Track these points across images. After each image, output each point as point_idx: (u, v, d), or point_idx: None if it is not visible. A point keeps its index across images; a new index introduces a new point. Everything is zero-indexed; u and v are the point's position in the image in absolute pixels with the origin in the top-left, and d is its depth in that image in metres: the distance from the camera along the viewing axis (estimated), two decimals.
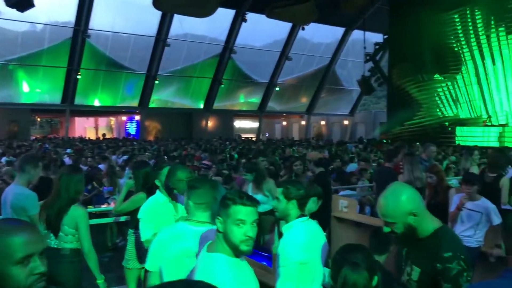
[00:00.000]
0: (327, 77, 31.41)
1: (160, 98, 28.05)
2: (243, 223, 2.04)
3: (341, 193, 7.74)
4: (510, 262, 1.90)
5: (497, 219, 4.77)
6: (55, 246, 3.56)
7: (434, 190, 5.39)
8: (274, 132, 36.63)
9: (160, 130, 29.42)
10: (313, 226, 2.95)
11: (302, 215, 2.94)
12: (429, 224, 2.23)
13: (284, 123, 37.16)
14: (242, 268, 2.13)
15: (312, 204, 4.09)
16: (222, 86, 28.01)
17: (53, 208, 3.59)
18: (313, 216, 5.21)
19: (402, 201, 2.19)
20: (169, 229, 2.81)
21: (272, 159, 11.08)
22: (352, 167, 10.72)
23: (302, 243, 2.77)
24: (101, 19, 23.06)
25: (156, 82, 25.89)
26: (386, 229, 2.24)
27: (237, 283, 2.02)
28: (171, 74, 26.84)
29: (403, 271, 2.35)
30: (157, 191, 3.90)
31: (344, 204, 6.69)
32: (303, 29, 27.22)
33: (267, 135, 33.73)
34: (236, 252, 2.08)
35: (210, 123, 30.20)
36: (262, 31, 26.52)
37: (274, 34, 27.81)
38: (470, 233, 4.80)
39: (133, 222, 4.44)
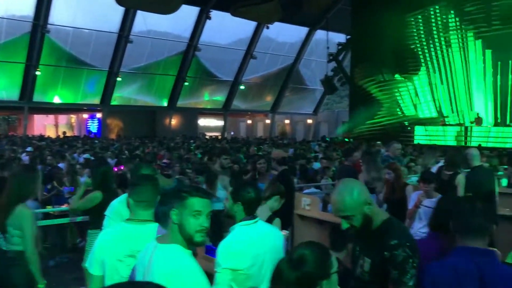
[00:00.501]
0: (291, 76, 31.66)
1: (122, 95, 27.56)
2: (199, 214, 2.13)
3: (306, 191, 7.83)
4: (458, 240, 2.17)
5: None
6: (5, 248, 3.44)
7: (391, 187, 5.53)
8: (239, 130, 36.66)
9: (122, 128, 28.92)
10: (255, 231, 2.81)
11: (249, 218, 2.84)
12: (379, 215, 2.37)
13: (249, 121, 37.24)
14: (194, 260, 2.18)
15: (275, 203, 4.13)
16: (186, 83, 27.80)
17: (1, 208, 3.48)
18: (276, 214, 5.27)
19: (356, 193, 2.30)
20: (111, 230, 2.78)
21: (237, 157, 11.11)
22: (316, 165, 10.86)
23: (234, 249, 2.69)
24: (61, 14, 22.44)
25: (119, 79, 25.42)
26: (345, 225, 2.30)
27: (195, 272, 2.06)
28: (134, 71, 26.42)
29: (356, 265, 2.42)
30: None
31: (306, 202, 6.77)
32: (267, 28, 27.35)
33: (232, 133, 33.71)
34: (190, 243, 2.15)
35: (174, 121, 29.91)
36: (227, 29, 26.47)
37: (239, 32, 27.81)
38: (426, 230, 4.95)
39: (93, 222, 4.36)
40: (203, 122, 32.98)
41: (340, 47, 26.98)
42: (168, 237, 2.16)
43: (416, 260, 2.22)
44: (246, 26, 26.94)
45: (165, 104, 28.84)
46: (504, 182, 7.74)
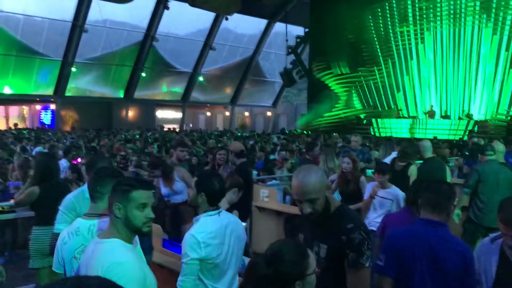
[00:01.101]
0: (251, 69, 31.66)
1: (77, 86, 26.76)
2: (144, 206, 2.14)
3: (268, 183, 7.88)
4: (422, 214, 2.63)
5: None
6: None
7: (346, 178, 5.61)
8: (198, 123, 36.37)
9: (77, 120, 28.10)
10: (220, 222, 2.83)
11: (213, 209, 2.86)
12: (333, 201, 2.45)
13: (208, 113, 37.01)
14: (137, 253, 2.19)
15: (233, 195, 4.12)
16: (144, 75, 27.29)
17: None
18: (234, 206, 5.24)
19: (320, 175, 2.38)
20: (69, 226, 2.72)
21: (195, 150, 11.01)
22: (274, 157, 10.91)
23: (201, 239, 2.70)
24: (11, 1, 21.53)
25: (73, 69, 24.67)
26: (308, 210, 2.33)
27: (136, 266, 2.05)
28: (89, 62, 25.68)
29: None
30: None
31: (265, 194, 6.81)
32: (226, 19, 27.18)
33: (190, 125, 33.42)
34: (138, 234, 2.18)
35: (131, 113, 29.35)
36: (186, 19, 26.14)
37: (198, 23, 27.53)
38: (381, 220, 5.07)
39: (36, 218, 4.23)
40: (161, 114, 32.51)
41: (298, 40, 27.17)
42: (109, 232, 2.15)
43: (370, 243, 2.34)
44: (205, 17, 26.70)
45: (121, 95, 28.23)
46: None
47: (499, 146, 6.20)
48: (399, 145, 6.81)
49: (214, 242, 2.74)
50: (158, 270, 3.68)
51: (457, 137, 17.85)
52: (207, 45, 28.40)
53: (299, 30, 28.32)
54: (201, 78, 29.79)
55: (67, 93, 26.01)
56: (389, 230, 2.64)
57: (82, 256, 2.29)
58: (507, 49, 19.14)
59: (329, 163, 7.20)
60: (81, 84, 26.87)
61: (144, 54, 26.57)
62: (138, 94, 28.35)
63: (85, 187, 3.65)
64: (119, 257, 2.04)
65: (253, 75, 32.36)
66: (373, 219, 5.09)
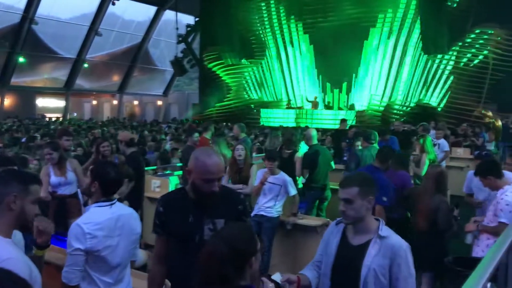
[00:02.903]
0: (140, 56, 30.75)
1: None
2: (37, 201, 2.13)
3: (159, 173, 7.80)
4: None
5: (293, 190, 5.37)
6: None
7: (238, 166, 5.77)
8: (84, 111, 34.50)
9: None
10: (111, 212, 2.76)
11: (104, 200, 2.79)
12: None
13: (94, 102, 35.22)
14: (15, 248, 2.11)
15: (123, 187, 4.05)
16: (22, 60, 25.19)
17: None
18: (126, 197, 5.15)
19: (220, 156, 2.62)
20: None
21: (79, 141, 10.50)
22: (168, 147, 10.80)
23: (87, 230, 2.63)
24: None
25: None
26: (216, 188, 2.48)
27: (21, 261, 1.99)
28: None
29: (197, 233, 2.53)
30: None
31: (156, 184, 6.75)
32: (113, 4, 26.03)
33: (74, 114, 31.60)
34: (26, 229, 2.17)
35: (8, 101, 26.98)
36: (69, 2, 24.63)
37: (82, 7, 26.09)
38: (271, 204, 5.31)
39: None
40: (42, 102, 30.25)
41: (189, 29, 26.94)
42: None
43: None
44: (89, 1, 25.35)
45: None
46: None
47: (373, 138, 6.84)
48: (284, 134, 7.24)
49: (100, 234, 2.67)
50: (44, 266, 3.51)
51: (336, 126, 18.99)
52: (93, 30, 26.99)
53: (189, 19, 28.08)
54: (86, 65, 28.27)
55: None
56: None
57: None
58: (384, 43, 20.77)
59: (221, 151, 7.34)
60: None
61: (21, 37, 24.50)
62: (16, 80, 26.13)
63: None
64: (3, 254, 1.94)
65: (143, 63, 31.47)
66: (263, 204, 5.31)
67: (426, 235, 4.44)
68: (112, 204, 2.81)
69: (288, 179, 5.37)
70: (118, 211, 2.82)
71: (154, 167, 8.18)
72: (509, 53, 17.65)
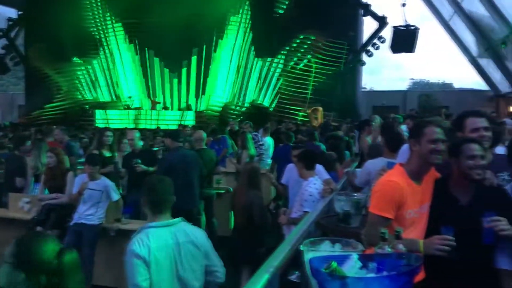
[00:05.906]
0: None
1: None
2: None
3: None
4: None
5: (115, 195, 5.22)
6: None
7: (52, 173, 5.43)
8: None
9: None
10: None
11: None
12: None
13: None
14: None
15: None
16: None
17: None
18: None
19: None
20: None
21: None
22: None
23: None
24: None
25: None
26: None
27: None
28: None
29: None
30: None
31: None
32: None
33: None
34: None
35: None
36: None
37: None
38: (92, 212, 5.07)
39: None
40: None
41: (11, 23, 24.39)
42: None
43: None
44: None
45: None
46: None
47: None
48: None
49: None
50: None
51: (174, 127, 18.98)
52: None
53: (11, 12, 25.34)
54: None
55: None
56: None
57: None
58: (221, 46, 21.39)
59: (42, 158, 6.81)
60: None
61: None
62: None
63: None
64: None
65: None
66: (83, 212, 5.06)
67: (244, 230, 4.67)
68: None
69: (110, 183, 5.20)
70: None
71: None
72: (329, 58, 19.67)
